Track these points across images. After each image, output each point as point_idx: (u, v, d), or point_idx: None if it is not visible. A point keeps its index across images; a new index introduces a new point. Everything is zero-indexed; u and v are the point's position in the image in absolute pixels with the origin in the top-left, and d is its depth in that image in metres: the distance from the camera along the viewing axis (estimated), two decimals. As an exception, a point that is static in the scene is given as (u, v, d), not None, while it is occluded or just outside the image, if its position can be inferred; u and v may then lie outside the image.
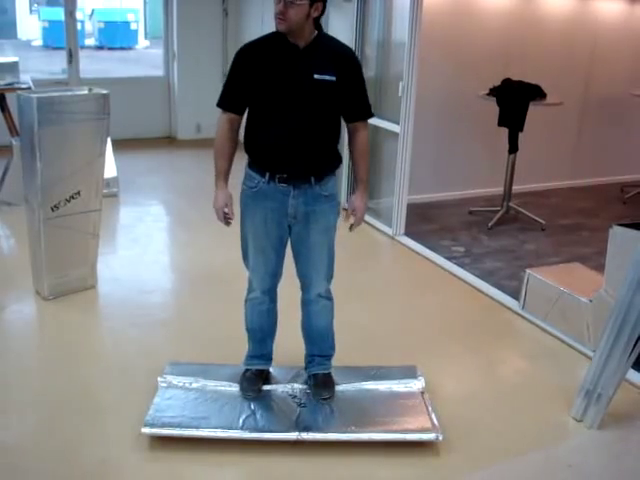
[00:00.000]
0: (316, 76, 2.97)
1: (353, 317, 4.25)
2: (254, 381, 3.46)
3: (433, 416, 3.28)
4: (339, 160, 3.25)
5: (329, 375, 3.49)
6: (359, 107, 3.17)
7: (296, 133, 3.03)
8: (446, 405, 3.48)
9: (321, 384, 3.44)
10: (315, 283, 3.33)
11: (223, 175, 3.30)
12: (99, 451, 3.10)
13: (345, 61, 3.06)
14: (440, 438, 3.15)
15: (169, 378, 3.51)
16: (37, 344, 4.13)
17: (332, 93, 3.02)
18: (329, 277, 3.36)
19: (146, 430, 3.12)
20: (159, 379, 3.49)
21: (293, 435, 3.14)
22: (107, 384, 3.65)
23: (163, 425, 3.15)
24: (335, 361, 3.50)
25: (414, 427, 3.22)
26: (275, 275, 3.36)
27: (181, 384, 3.48)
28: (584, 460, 3.24)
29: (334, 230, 3.27)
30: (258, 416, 3.26)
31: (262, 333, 3.48)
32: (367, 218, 6.23)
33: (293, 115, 3.02)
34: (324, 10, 2.98)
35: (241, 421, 3.21)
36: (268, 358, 3.53)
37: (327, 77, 2.98)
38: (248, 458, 3.10)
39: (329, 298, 3.41)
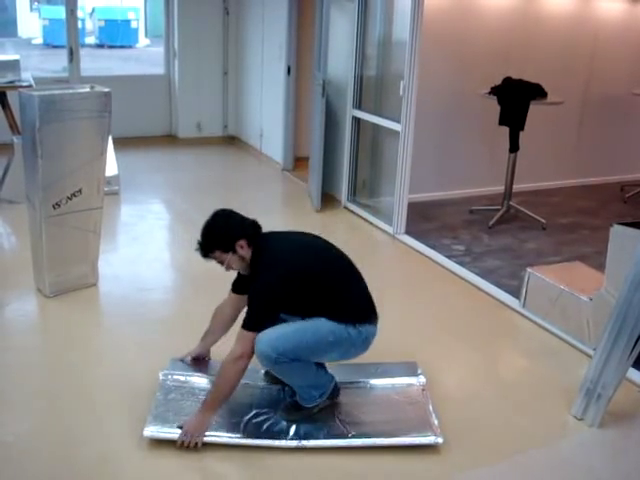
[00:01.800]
0: None
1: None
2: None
3: (433, 416, 3.29)
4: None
5: (299, 405, 3.34)
6: (247, 311, 3.15)
7: None
8: (447, 403, 3.49)
9: (289, 404, 3.37)
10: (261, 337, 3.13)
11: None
12: (99, 448, 3.10)
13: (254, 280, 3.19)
14: (440, 441, 3.15)
15: (170, 374, 3.52)
16: (38, 341, 4.13)
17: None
18: (276, 345, 3.06)
19: (148, 432, 3.12)
20: (160, 375, 3.50)
21: (294, 443, 3.13)
22: (108, 381, 3.65)
23: (165, 422, 3.16)
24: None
25: (414, 430, 3.22)
26: None
27: (183, 379, 3.50)
28: (585, 458, 3.24)
29: (323, 329, 3.12)
30: (260, 418, 3.26)
31: None
32: (368, 216, 6.25)
33: None
34: (253, 237, 3.21)
35: (242, 425, 3.21)
36: None
37: None
38: (250, 454, 3.10)
39: (272, 365, 3.16)
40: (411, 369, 3.63)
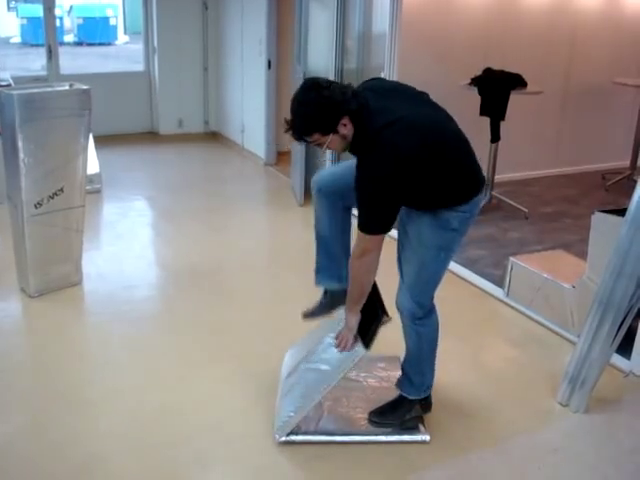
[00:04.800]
0: None
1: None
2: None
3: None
4: (438, 204, 2.91)
5: (399, 399, 3.25)
6: (358, 211, 2.82)
7: None
8: (432, 392, 3.50)
9: (385, 405, 3.29)
10: (399, 291, 3.12)
11: None
12: (87, 447, 3.10)
13: (365, 164, 2.77)
14: (427, 439, 3.18)
15: None
16: (23, 342, 4.12)
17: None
18: (413, 296, 3.05)
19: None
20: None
21: (283, 438, 3.14)
22: (94, 380, 3.65)
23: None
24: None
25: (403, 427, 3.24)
26: (344, 192, 3.01)
27: None
28: (570, 444, 3.27)
29: (432, 250, 2.96)
30: None
31: None
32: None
33: None
34: (357, 113, 2.73)
35: None
36: None
37: None
38: (242, 454, 3.12)
39: (412, 322, 3.10)
40: (394, 363, 3.62)
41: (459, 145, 2.98)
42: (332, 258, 3.27)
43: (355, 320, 3.02)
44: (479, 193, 3.00)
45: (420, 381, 3.21)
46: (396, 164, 2.70)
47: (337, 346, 3.05)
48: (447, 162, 2.88)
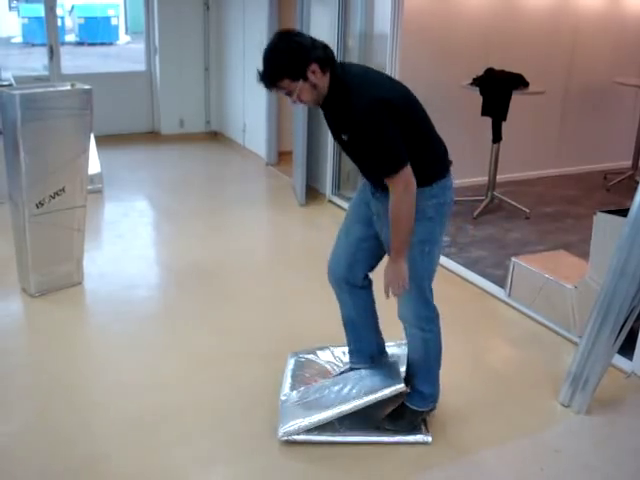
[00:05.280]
0: (343, 136, 2.89)
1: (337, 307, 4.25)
2: None
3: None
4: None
5: (405, 409, 3.23)
6: (373, 164, 2.89)
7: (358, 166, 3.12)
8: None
9: (393, 412, 3.25)
10: (398, 304, 3.14)
11: None
12: (88, 448, 3.09)
13: (348, 119, 2.80)
14: (429, 440, 3.16)
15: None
16: (24, 341, 4.11)
17: (356, 148, 2.93)
18: (413, 299, 3.08)
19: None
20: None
21: (284, 437, 3.13)
22: (94, 380, 3.65)
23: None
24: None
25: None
26: (351, 264, 3.29)
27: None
28: (572, 445, 3.26)
29: (415, 248, 2.96)
30: None
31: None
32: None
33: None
34: (326, 62, 2.79)
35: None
36: None
37: (344, 136, 2.87)
38: (243, 455, 3.11)
39: (420, 329, 3.13)
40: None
41: (426, 115, 3.03)
42: (362, 340, 3.44)
43: (405, 267, 2.95)
44: (448, 174, 3.10)
45: (431, 392, 3.23)
46: (375, 97, 2.75)
47: (389, 292, 3.03)
48: (418, 123, 2.97)
